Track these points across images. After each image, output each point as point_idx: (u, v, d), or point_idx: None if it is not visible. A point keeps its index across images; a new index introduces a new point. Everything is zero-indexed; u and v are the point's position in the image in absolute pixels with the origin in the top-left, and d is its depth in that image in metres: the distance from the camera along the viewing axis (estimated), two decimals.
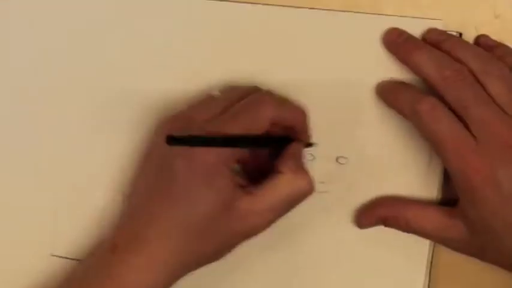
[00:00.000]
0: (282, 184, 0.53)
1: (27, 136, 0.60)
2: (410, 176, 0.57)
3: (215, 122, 0.52)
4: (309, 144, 0.56)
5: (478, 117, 0.51)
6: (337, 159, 0.57)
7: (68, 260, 0.59)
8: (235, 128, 0.52)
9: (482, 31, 0.56)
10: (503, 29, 0.56)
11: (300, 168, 0.53)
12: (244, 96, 0.54)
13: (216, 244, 0.53)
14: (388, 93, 0.56)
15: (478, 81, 0.52)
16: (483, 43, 0.56)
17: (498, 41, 0.56)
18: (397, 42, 0.55)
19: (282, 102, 0.54)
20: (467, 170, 0.51)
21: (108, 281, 0.51)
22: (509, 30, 0.56)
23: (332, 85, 0.57)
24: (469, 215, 0.52)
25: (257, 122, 0.52)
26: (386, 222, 0.56)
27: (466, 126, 0.51)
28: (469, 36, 0.56)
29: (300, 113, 0.55)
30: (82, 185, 0.59)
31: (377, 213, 0.56)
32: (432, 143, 0.52)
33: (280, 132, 0.54)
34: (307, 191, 0.53)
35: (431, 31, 0.55)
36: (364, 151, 0.57)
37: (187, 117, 0.53)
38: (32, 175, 0.60)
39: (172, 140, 0.49)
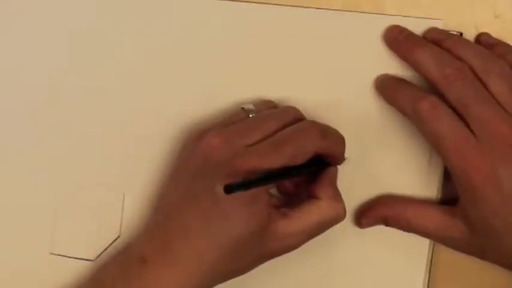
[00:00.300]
0: (319, 209, 0.53)
1: (27, 136, 0.60)
2: (410, 176, 0.57)
3: (259, 149, 0.52)
4: None
5: (479, 115, 0.51)
6: None
7: (67, 258, 0.59)
8: (280, 159, 0.51)
9: (482, 31, 0.56)
10: (503, 28, 0.56)
11: (337, 195, 0.54)
12: (283, 117, 0.54)
13: (247, 262, 0.53)
14: (388, 91, 0.56)
15: (479, 79, 0.52)
16: (484, 41, 0.56)
17: None
18: (398, 40, 0.55)
19: (326, 133, 0.54)
20: (468, 168, 0.51)
21: None
22: (509, 30, 0.56)
23: (332, 84, 0.57)
24: (469, 214, 0.52)
25: (301, 154, 0.52)
26: (387, 221, 0.56)
27: (467, 125, 0.51)
28: (469, 36, 0.56)
29: (341, 142, 0.55)
30: (82, 185, 0.59)
31: (377, 212, 0.56)
32: (433, 142, 0.52)
33: (315, 155, 0.54)
34: (341, 217, 0.54)
35: (432, 30, 0.55)
36: (364, 151, 0.57)
37: (229, 139, 0.52)
38: (32, 175, 0.59)
39: (232, 188, 0.49)
